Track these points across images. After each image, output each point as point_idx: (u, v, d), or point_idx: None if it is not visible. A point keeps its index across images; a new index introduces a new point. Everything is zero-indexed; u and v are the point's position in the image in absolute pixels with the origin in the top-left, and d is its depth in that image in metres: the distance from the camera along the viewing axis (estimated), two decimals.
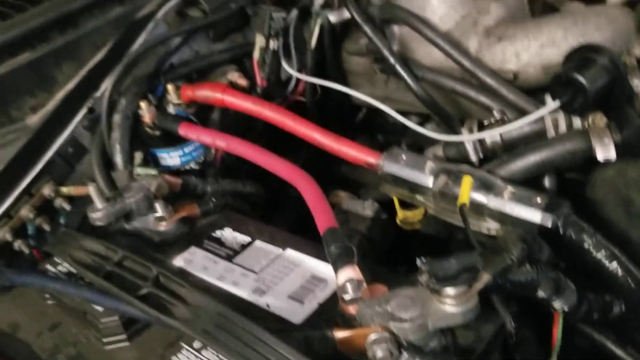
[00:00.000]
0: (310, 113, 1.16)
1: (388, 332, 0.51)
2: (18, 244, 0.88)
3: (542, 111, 0.84)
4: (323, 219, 0.68)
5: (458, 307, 0.51)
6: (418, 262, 0.53)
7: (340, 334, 0.53)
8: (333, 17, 1.13)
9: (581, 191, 0.90)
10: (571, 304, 0.65)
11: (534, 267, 0.63)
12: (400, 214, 0.98)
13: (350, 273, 0.60)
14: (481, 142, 0.93)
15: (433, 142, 1.00)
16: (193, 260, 0.74)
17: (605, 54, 0.82)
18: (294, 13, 1.12)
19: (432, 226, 0.98)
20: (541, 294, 0.62)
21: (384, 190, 0.94)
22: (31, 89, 0.96)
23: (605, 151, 0.80)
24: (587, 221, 0.77)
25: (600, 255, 0.71)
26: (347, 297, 0.57)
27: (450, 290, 0.51)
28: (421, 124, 1.09)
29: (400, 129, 1.25)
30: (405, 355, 0.51)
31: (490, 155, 0.94)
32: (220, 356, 0.55)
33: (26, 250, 0.87)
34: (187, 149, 0.97)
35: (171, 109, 0.98)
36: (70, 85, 0.96)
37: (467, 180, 0.77)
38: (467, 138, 0.91)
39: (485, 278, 0.53)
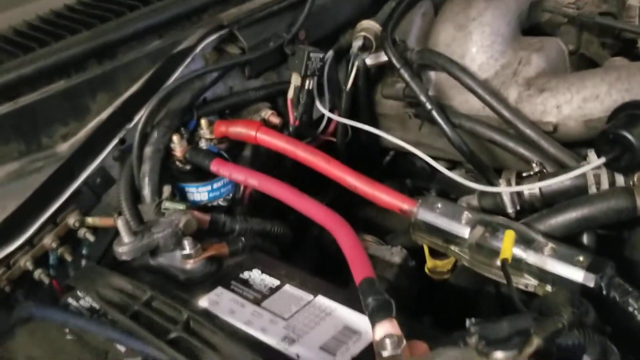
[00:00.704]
0: (341, 154, 1.15)
1: None
2: (38, 274, 0.86)
3: (586, 167, 0.81)
4: (360, 268, 0.65)
5: None
6: (467, 322, 0.50)
7: None
8: (370, 60, 1.13)
9: (620, 251, 0.87)
10: None
11: (580, 331, 0.59)
12: (430, 262, 0.95)
13: (388, 328, 0.56)
14: (519, 194, 0.90)
15: (463, 190, 0.98)
16: (219, 302, 0.71)
17: None
18: (330, 54, 1.12)
19: (461, 278, 0.96)
20: (589, 359, 0.59)
21: (416, 238, 0.91)
22: (64, 117, 0.95)
23: None
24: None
25: None
26: (385, 353, 0.54)
27: (499, 355, 0.48)
28: (449, 170, 1.07)
29: (428, 175, 1.23)
30: None
31: (528, 208, 0.91)
32: None
33: (46, 281, 0.86)
34: (216, 185, 0.95)
35: (203, 144, 0.96)
36: (104, 116, 0.95)
37: (509, 235, 0.74)
38: (506, 189, 0.88)
39: (536, 343, 0.50)
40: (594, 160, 0.82)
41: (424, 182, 1.26)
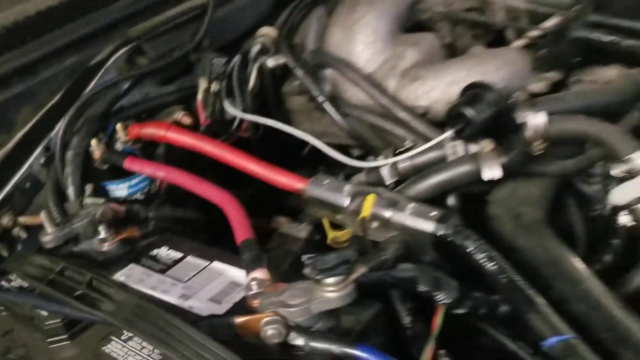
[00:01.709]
0: (256, 148, 1.28)
1: (279, 316, 0.62)
2: None
3: (439, 138, 0.97)
4: (240, 232, 0.79)
5: (336, 294, 0.62)
6: (303, 257, 0.64)
7: (239, 319, 0.64)
8: (271, 62, 1.26)
9: (482, 208, 1.03)
10: (453, 297, 0.76)
11: (416, 266, 0.74)
12: (330, 234, 1.09)
13: (257, 274, 0.70)
14: (395, 167, 1.05)
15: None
16: (131, 275, 0.84)
17: (492, 90, 0.96)
18: (236, 58, 1.25)
19: (356, 244, 1.10)
20: (422, 288, 0.74)
21: (312, 212, 1.05)
22: None
23: (489, 171, 0.93)
24: (486, 234, 0.89)
25: (481, 257, 0.82)
26: (251, 293, 0.68)
27: (329, 280, 0.62)
28: (365, 155, 1.22)
29: (338, 161, 1.38)
30: (293, 334, 0.62)
31: (404, 179, 1.06)
32: (142, 344, 0.65)
33: None
34: (133, 181, 1.08)
35: (119, 146, 1.09)
36: (28, 127, 1.07)
37: (369, 198, 0.89)
38: (380, 164, 1.03)
39: (360, 270, 0.65)
40: (446, 133, 0.97)
41: (335, 168, 1.40)
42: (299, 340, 0.62)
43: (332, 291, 0.63)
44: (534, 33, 1.18)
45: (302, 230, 1.12)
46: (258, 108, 1.28)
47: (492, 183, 0.99)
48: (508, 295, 0.81)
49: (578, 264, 0.88)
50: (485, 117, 0.94)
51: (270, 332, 0.61)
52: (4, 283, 0.84)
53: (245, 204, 0.95)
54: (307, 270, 0.63)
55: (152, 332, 0.60)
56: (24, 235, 1.02)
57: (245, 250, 0.75)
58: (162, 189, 1.10)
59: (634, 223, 0.97)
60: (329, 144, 1.14)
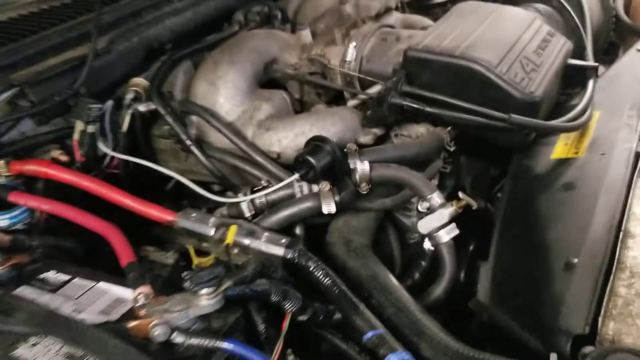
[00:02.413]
0: (123, 183, 1.43)
1: (164, 321, 0.80)
2: None
3: (287, 180, 1.21)
4: (125, 255, 0.96)
5: (208, 302, 0.82)
6: (183, 274, 0.83)
7: (131, 324, 0.81)
8: (142, 108, 1.43)
9: (322, 236, 1.28)
10: (297, 306, 0.99)
11: (268, 281, 0.96)
12: (195, 260, 1.27)
13: (143, 289, 0.88)
14: (253, 202, 1.27)
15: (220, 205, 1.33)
16: (24, 296, 0.96)
17: (329, 142, 1.22)
18: (109, 104, 1.40)
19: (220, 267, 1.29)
20: (274, 298, 0.95)
21: (181, 241, 1.23)
22: None
23: (327, 206, 1.19)
24: (324, 257, 1.13)
25: (319, 274, 1.05)
26: (137, 304, 0.85)
27: (203, 291, 0.82)
28: (224, 191, 1.42)
29: (199, 196, 1.57)
30: (174, 334, 0.80)
31: (260, 213, 1.28)
32: (49, 347, 0.79)
33: None
34: (14, 213, 1.18)
35: (2, 180, 1.19)
36: None
37: (232, 228, 1.10)
38: (240, 200, 1.25)
39: (227, 283, 0.85)
40: (294, 176, 1.21)
41: (198, 202, 1.59)
42: (179, 339, 0.80)
43: (205, 299, 0.82)
44: (362, 96, 1.48)
45: (169, 258, 1.29)
46: (128, 147, 1.44)
47: (330, 216, 1.25)
48: (339, 303, 1.05)
49: (391, 279, 1.15)
50: (323, 164, 1.19)
51: (157, 332, 0.79)
52: None
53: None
54: (186, 284, 0.82)
55: (65, 334, 0.75)
56: None
57: (130, 271, 0.92)
58: (42, 220, 1.21)
59: (433, 248, 1.27)
60: (193, 181, 1.33)
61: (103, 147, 1.35)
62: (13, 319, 0.79)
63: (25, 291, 0.97)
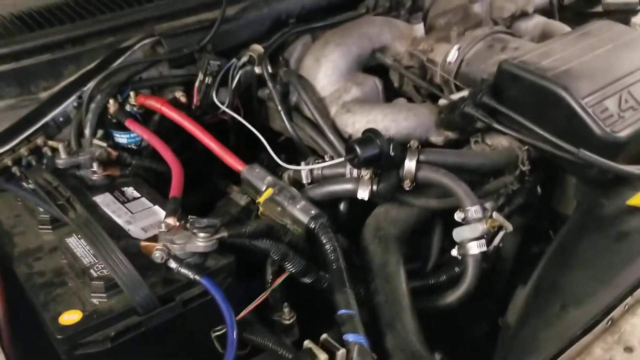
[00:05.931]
0: (231, 131, 1.69)
1: (166, 247, 1.05)
2: (15, 169, 1.44)
3: (336, 161, 1.37)
4: (174, 190, 1.22)
5: (202, 243, 1.05)
6: (189, 217, 1.07)
7: (142, 243, 1.07)
8: (258, 70, 1.66)
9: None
10: (298, 269, 1.16)
11: (271, 241, 1.15)
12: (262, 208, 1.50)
13: (169, 220, 1.13)
14: (311, 171, 1.45)
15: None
16: (104, 199, 1.29)
17: (379, 137, 1.33)
18: (233, 61, 1.65)
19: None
20: (273, 256, 1.15)
21: (243, 189, 1.46)
22: (46, 76, 1.52)
23: (362, 192, 1.32)
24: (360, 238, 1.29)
25: (328, 247, 1.20)
26: (160, 230, 1.11)
27: (200, 234, 1.05)
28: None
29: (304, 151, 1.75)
30: (171, 260, 1.05)
31: (316, 182, 1.45)
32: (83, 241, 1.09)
33: (17, 173, 1.43)
34: (133, 134, 1.52)
35: (128, 108, 1.53)
36: (70, 79, 1.52)
37: (268, 191, 1.30)
38: (300, 168, 1.43)
39: (221, 233, 1.07)
40: (343, 158, 1.36)
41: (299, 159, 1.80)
42: (173, 264, 1.05)
43: (200, 241, 1.05)
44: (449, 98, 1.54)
45: (243, 200, 1.54)
46: (244, 102, 1.68)
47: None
48: (332, 277, 1.19)
49: (397, 271, 1.27)
50: (368, 154, 1.32)
51: (157, 254, 1.04)
52: (23, 184, 1.30)
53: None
54: (189, 225, 1.06)
55: (89, 236, 1.04)
56: (49, 153, 1.47)
57: (170, 204, 1.18)
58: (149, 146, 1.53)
59: (460, 257, 1.34)
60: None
61: (214, 98, 1.61)
62: (67, 216, 1.10)
63: (106, 197, 1.29)
